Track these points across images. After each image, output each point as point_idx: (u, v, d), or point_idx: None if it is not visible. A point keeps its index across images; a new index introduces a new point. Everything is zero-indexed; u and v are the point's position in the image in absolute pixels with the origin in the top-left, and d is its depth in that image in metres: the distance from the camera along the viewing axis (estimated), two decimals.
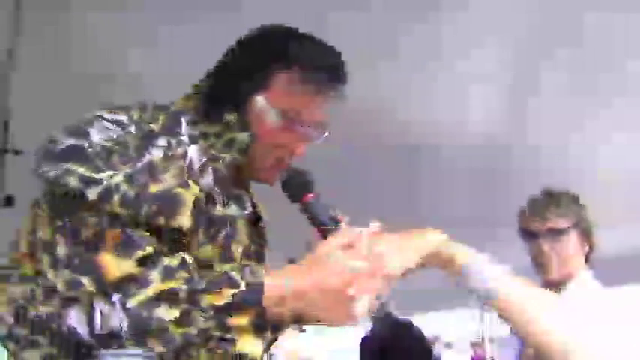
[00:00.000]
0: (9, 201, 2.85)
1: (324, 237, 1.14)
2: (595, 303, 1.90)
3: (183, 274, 1.01)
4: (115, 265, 1.00)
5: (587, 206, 2.04)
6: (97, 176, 1.03)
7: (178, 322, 0.97)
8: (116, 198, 1.02)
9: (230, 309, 0.98)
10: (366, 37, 2.64)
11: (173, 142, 1.11)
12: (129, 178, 1.04)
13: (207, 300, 0.98)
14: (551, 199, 2.01)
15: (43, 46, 2.55)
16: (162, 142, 1.10)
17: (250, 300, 0.99)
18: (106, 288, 0.99)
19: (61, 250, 1.02)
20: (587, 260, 2.04)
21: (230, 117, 1.16)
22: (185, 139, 1.13)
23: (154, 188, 1.05)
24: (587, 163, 3.64)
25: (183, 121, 1.15)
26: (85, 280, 0.99)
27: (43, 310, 1.02)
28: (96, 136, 1.06)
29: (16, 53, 2.12)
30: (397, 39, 2.66)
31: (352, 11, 2.47)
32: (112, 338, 0.97)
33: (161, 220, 1.05)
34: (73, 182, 1.02)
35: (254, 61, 1.17)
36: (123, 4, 2.38)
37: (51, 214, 1.06)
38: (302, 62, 1.16)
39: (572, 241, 1.97)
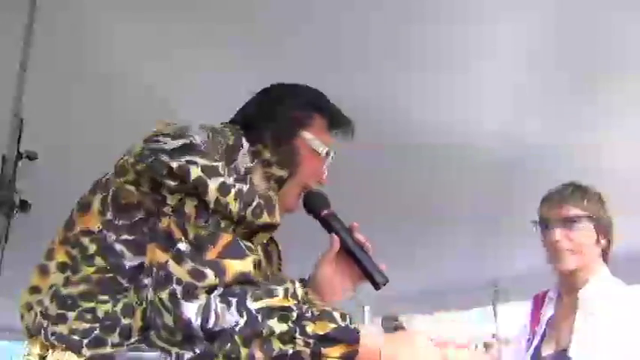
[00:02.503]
0: (24, 206, 2.86)
1: (342, 244, 1.40)
2: (619, 302, 1.88)
3: (296, 300, 1.14)
4: (232, 265, 1.10)
5: (608, 203, 2.01)
6: (215, 164, 1.14)
7: (281, 337, 1.08)
8: (232, 191, 1.14)
9: (327, 340, 1.10)
10: (379, 39, 2.64)
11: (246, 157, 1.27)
12: (236, 176, 1.17)
13: (310, 327, 1.10)
14: (569, 189, 1.99)
15: (56, 52, 2.57)
16: (240, 154, 1.24)
17: (348, 338, 1.11)
18: (225, 283, 1.09)
19: (182, 245, 1.10)
20: (605, 258, 2.02)
21: (267, 155, 1.34)
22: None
23: (255, 187, 1.21)
24: (606, 162, 3.61)
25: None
26: (209, 273, 1.08)
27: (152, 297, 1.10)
28: (198, 138, 1.17)
29: (29, 60, 2.15)
30: (410, 40, 2.66)
31: (367, 12, 2.48)
32: (218, 336, 1.06)
33: (264, 216, 1.20)
34: (195, 172, 1.12)
35: (300, 106, 1.41)
36: (137, 9, 2.41)
37: (165, 208, 1.13)
38: (330, 111, 1.44)
39: (586, 232, 1.94)
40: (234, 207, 1.14)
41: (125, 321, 1.13)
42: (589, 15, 2.46)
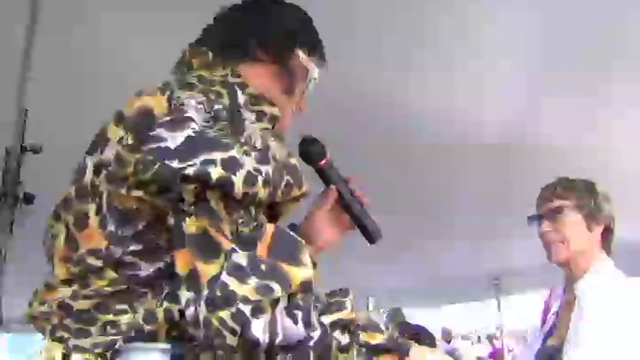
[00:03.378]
0: (28, 199, 2.88)
1: (339, 194, 1.34)
2: (610, 296, 1.90)
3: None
4: (295, 274, 1.03)
5: (602, 193, 2.02)
6: (231, 154, 1.01)
7: (342, 348, 1.10)
8: (260, 179, 1.03)
9: (379, 350, 1.13)
10: (378, 36, 2.65)
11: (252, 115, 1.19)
12: (256, 154, 1.06)
13: (363, 336, 1.13)
14: (558, 183, 2.04)
15: (59, 45, 2.59)
16: (246, 114, 1.16)
17: (400, 348, 1.15)
18: (289, 294, 1.03)
19: (239, 257, 0.99)
20: (605, 247, 2.03)
21: (252, 89, 1.22)
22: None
23: (278, 158, 1.11)
24: (605, 158, 3.63)
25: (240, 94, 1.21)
26: (276, 286, 0.99)
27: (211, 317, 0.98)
28: (197, 118, 1.03)
29: (32, 52, 2.17)
30: (411, 39, 2.68)
31: (367, 9, 2.49)
32: (288, 349, 1.03)
33: (295, 191, 1.13)
34: (216, 172, 0.99)
35: (289, 27, 1.32)
36: (137, 9, 2.43)
37: (199, 214, 1.00)
38: (315, 37, 1.37)
39: (574, 222, 1.97)
40: (264, 195, 1.05)
41: (149, 327, 1.07)
42: (589, 13, 2.46)
